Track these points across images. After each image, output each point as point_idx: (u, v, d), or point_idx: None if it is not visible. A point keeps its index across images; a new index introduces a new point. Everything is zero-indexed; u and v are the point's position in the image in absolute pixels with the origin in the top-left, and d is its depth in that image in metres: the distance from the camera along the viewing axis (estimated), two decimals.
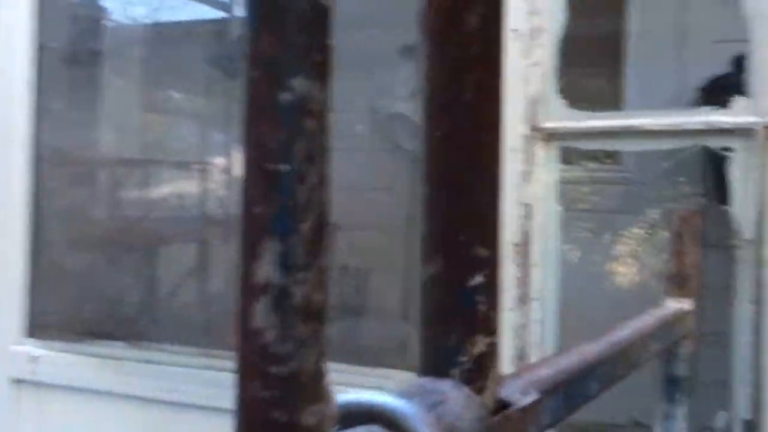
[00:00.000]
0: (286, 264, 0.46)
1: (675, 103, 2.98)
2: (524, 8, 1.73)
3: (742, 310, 1.63)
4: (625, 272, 3.16)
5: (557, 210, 1.76)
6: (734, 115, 1.65)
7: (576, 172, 3.10)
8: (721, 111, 1.67)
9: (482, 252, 0.64)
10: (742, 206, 1.65)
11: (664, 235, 2.72)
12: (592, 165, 3.26)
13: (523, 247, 1.70)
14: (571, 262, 1.96)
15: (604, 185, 3.17)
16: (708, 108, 1.71)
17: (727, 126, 1.65)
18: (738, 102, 1.66)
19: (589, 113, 1.76)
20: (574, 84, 1.83)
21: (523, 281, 1.67)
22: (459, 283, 0.62)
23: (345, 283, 2.35)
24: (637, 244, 3.16)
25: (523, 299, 1.66)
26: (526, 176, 1.72)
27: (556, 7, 1.75)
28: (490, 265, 0.63)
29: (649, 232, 3.13)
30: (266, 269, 0.45)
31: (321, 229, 0.47)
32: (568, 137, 1.76)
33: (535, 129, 1.74)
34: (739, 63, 2.18)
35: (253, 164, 0.48)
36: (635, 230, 3.15)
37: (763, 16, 1.63)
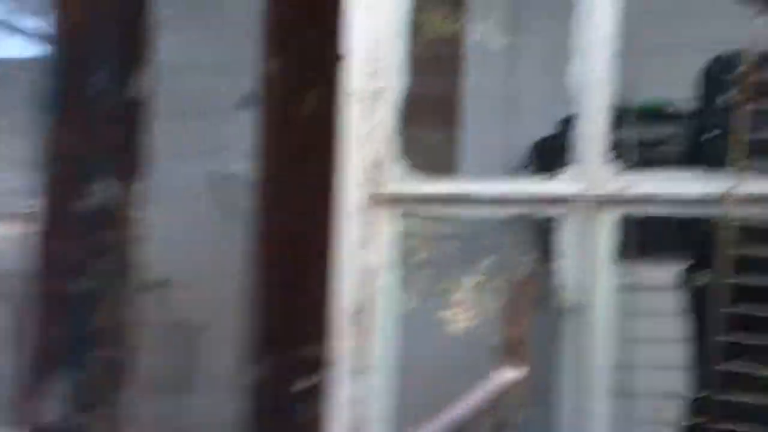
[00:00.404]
0: (76, 402, 0.38)
1: (508, 167, 3.10)
2: (366, 69, 1.73)
3: (568, 378, 1.68)
4: (465, 327, 3.22)
5: (397, 276, 1.75)
6: (562, 184, 1.72)
7: (414, 227, 3.13)
8: (550, 180, 1.74)
9: (312, 353, 0.59)
10: (568, 275, 1.71)
11: (501, 291, 2.80)
12: (430, 221, 3.31)
13: (361, 315, 1.67)
14: (410, 324, 1.96)
15: (442, 240, 3.23)
16: (537, 177, 1.77)
17: (554, 195, 1.72)
18: (565, 171, 1.73)
19: (428, 178, 1.78)
20: (414, 147, 1.84)
21: (361, 351, 1.64)
22: (287, 386, 0.58)
23: (174, 346, 2.22)
24: (475, 299, 3.23)
25: (361, 370, 1.63)
26: (365, 242, 1.70)
27: (398, 68, 1.76)
28: (320, 367, 0.59)
29: (487, 287, 3.21)
30: (52, 409, 0.38)
31: (120, 359, 0.41)
32: (407, 202, 1.77)
33: (375, 193, 1.73)
34: (567, 128, 2.28)
35: (43, 282, 0.41)
36: (474, 285, 3.23)
37: (589, 87, 1.72)
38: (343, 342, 1.58)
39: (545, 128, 3.15)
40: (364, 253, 1.68)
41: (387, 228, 1.74)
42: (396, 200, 1.74)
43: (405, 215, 1.76)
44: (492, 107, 3.57)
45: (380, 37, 1.73)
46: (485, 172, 3.15)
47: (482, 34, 3.78)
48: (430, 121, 3.39)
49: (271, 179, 0.49)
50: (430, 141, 3.43)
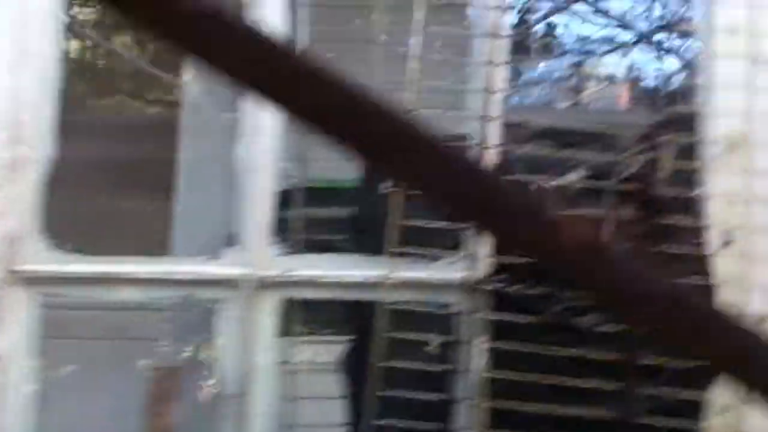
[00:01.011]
0: None
1: (210, 245, 3.00)
2: (3, 136, 1.56)
3: None
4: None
5: (30, 365, 1.57)
6: (223, 265, 1.67)
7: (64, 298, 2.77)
8: (212, 261, 1.68)
9: None
10: (228, 358, 1.64)
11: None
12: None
13: None
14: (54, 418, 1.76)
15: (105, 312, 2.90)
16: (199, 258, 1.70)
17: (215, 277, 1.66)
18: (227, 252, 1.68)
19: (77, 256, 1.63)
20: (68, 222, 1.69)
21: None
22: None
23: None
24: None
25: None
26: None
27: (44, 136, 1.61)
28: None
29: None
30: None
31: None
32: (51, 282, 1.60)
33: (10, 272, 1.55)
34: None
35: None
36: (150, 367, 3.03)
37: (254, 170, 1.69)
38: None
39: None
40: None
41: (24, 310, 1.56)
42: (35, 279, 1.57)
43: (46, 296, 1.59)
44: (205, 182, 3.48)
45: (24, 103, 1.58)
46: (187, 250, 3.02)
47: (195, 107, 3.69)
48: (101, 193, 3.21)
49: None
50: (95, 214, 3.23)
